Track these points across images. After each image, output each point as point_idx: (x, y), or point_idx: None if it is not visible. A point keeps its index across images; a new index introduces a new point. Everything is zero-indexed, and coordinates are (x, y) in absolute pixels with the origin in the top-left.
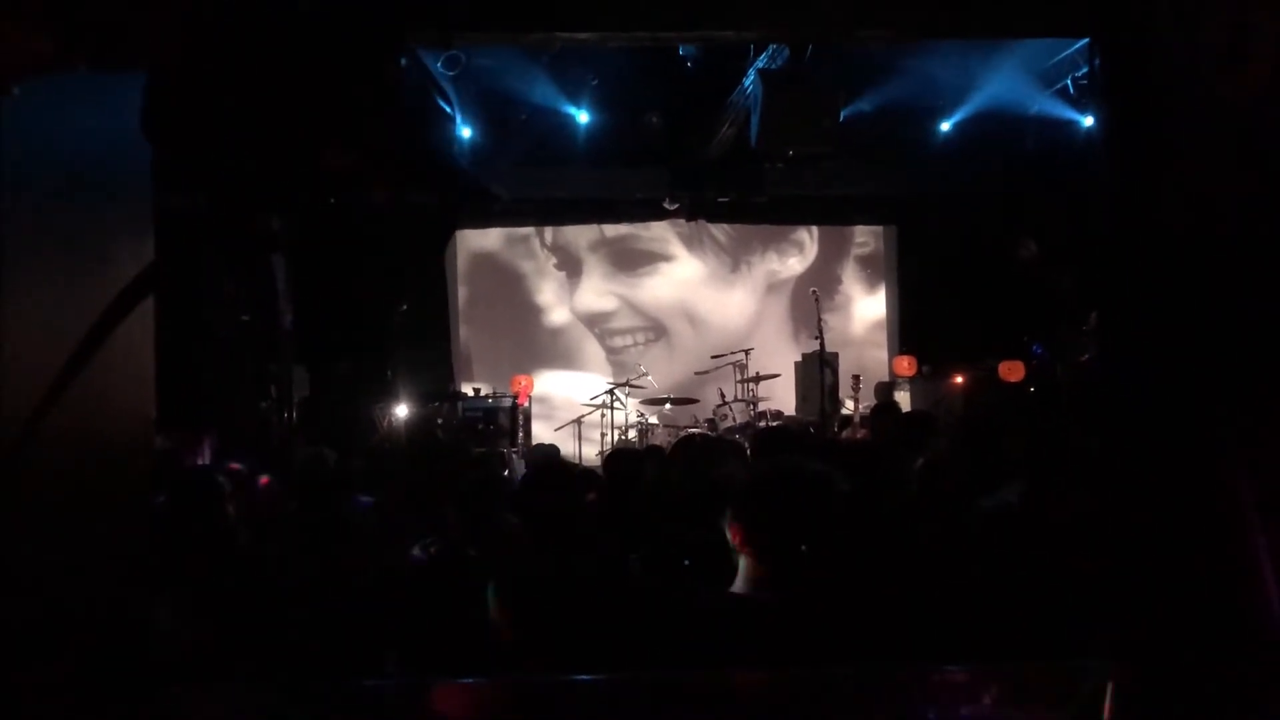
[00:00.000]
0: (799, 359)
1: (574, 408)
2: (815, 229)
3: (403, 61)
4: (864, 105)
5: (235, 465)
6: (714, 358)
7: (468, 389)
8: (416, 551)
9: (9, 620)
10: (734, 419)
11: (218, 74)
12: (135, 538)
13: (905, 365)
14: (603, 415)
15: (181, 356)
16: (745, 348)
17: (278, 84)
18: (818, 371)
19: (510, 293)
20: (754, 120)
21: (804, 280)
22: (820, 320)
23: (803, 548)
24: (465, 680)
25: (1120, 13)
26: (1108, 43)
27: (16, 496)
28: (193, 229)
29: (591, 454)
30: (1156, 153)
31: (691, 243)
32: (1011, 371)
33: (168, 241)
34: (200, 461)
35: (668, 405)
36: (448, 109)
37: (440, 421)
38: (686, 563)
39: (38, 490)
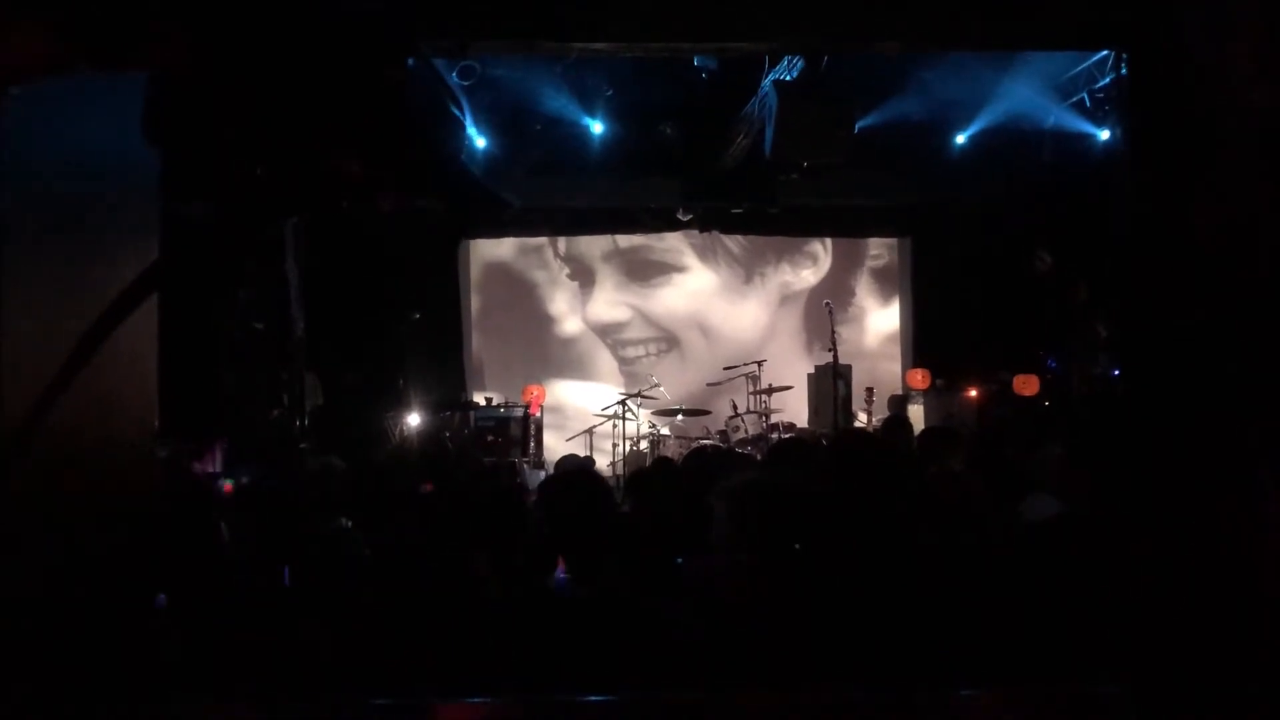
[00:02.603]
0: (812, 371)
1: (586, 418)
2: (829, 241)
3: (410, 63)
4: (879, 117)
5: (229, 485)
6: (726, 369)
7: (479, 399)
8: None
9: (5, 627)
10: (746, 431)
11: (221, 75)
12: (136, 546)
13: (919, 378)
14: (614, 426)
15: (194, 364)
16: (758, 359)
17: (282, 86)
18: (831, 384)
19: (523, 302)
20: (768, 131)
21: (818, 292)
22: (834, 332)
23: (796, 546)
24: (472, 700)
25: (1149, 24)
26: (1135, 54)
27: (16, 501)
28: (201, 235)
29: (603, 465)
30: (1185, 161)
31: (705, 254)
32: (1026, 385)
33: (177, 248)
34: (208, 469)
35: (680, 416)
36: (460, 115)
37: (448, 434)
38: (679, 560)
39: (37, 496)
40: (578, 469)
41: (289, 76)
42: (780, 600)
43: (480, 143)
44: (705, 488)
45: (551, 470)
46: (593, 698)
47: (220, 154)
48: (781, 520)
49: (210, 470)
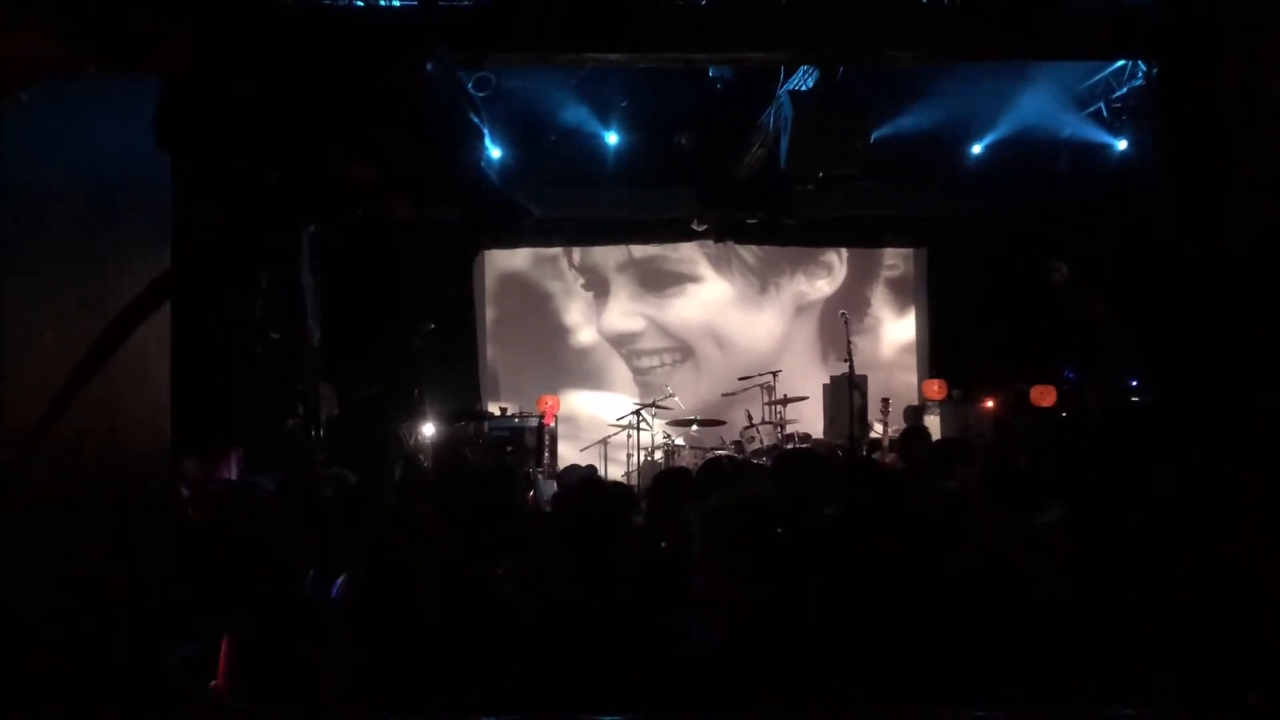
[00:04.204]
0: (827, 381)
1: (600, 428)
2: (844, 251)
3: (429, 67)
4: (895, 127)
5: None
6: (741, 379)
7: (494, 408)
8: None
9: (17, 641)
10: (761, 441)
11: (234, 78)
12: (152, 557)
13: (935, 389)
14: (629, 436)
15: (207, 373)
16: (773, 369)
17: (295, 89)
18: (846, 394)
19: (538, 312)
20: (784, 141)
21: (833, 302)
22: (849, 342)
23: (779, 528)
24: (486, 719)
25: (1183, 33)
26: (1167, 61)
27: (25, 508)
28: (214, 241)
29: (617, 475)
30: (1218, 167)
31: (720, 264)
32: (1043, 396)
33: (189, 255)
34: (227, 479)
35: (694, 427)
36: (480, 122)
37: (479, 440)
38: (663, 544)
39: (46, 504)
40: (592, 482)
41: (302, 79)
42: (785, 619)
43: (495, 153)
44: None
45: (555, 482)
46: (604, 718)
47: (232, 159)
48: (759, 540)
49: (229, 478)
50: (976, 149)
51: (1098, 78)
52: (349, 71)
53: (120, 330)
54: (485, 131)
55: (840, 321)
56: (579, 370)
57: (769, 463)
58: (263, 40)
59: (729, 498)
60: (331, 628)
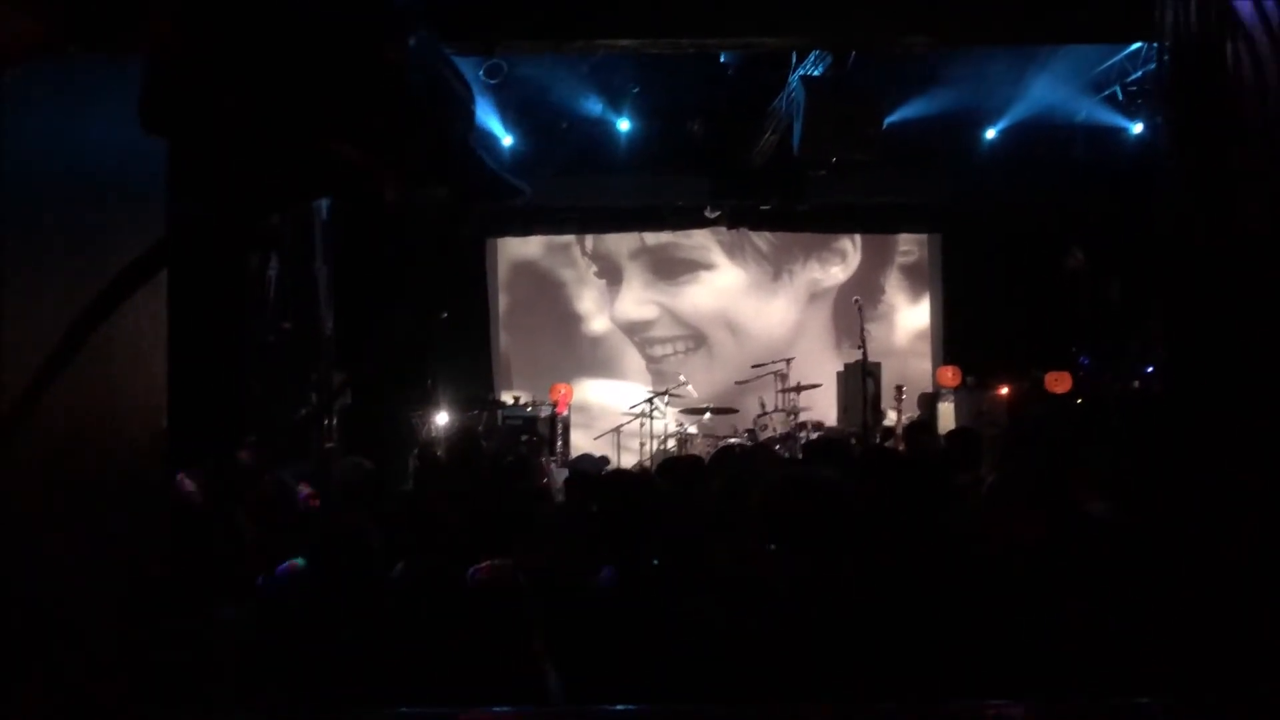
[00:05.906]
0: (841, 369)
1: (613, 417)
2: (858, 237)
3: (411, 43)
4: (908, 112)
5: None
6: (754, 367)
7: (507, 397)
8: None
9: (8, 629)
10: (774, 429)
11: (218, 56)
12: (144, 551)
13: (949, 376)
14: (642, 424)
15: (213, 362)
16: (786, 357)
17: (276, 67)
18: (860, 382)
19: (551, 301)
20: (796, 127)
21: (846, 289)
22: (863, 329)
23: (771, 546)
24: (498, 709)
25: (1191, 16)
26: (1177, 46)
27: (23, 503)
28: (204, 222)
29: (630, 464)
30: (1229, 149)
31: (733, 251)
32: (1058, 383)
33: (179, 232)
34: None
35: (707, 415)
36: (468, 97)
37: (492, 429)
38: (655, 561)
39: (43, 495)
40: (606, 473)
41: (283, 56)
42: (809, 603)
43: (507, 141)
44: (732, 486)
45: (568, 471)
46: (620, 707)
47: (217, 140)
48: (816, 517)
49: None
50: (991, 134)
51: (1112, 61)
52: (335, 50)
53: (110, 301)
54: (474, 106)
55: (854, 308)
56: (592, 358)
57: (783, 450)
58: (251, 19)
59: (792, 475)
60: (338, 617)
